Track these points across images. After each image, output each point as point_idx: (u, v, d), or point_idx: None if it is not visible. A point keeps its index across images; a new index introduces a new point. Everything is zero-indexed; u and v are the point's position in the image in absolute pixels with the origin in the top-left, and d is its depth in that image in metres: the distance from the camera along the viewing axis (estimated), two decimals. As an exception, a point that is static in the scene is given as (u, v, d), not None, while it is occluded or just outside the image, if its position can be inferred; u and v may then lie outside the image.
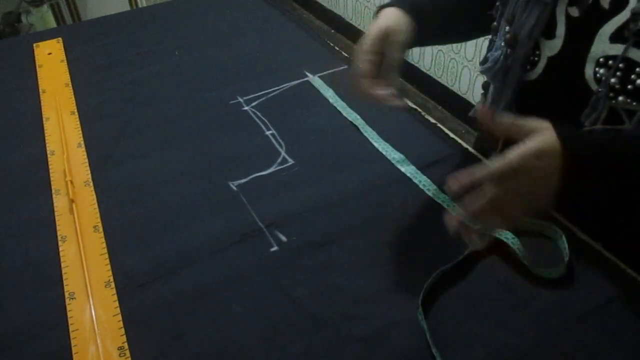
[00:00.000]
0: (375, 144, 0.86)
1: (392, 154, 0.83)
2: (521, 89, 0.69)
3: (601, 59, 0.59)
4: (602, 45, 0.58)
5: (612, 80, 0.58)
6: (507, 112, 0.71)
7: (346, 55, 1.09)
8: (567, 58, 0.63)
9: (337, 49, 1.12)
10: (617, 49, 0.57)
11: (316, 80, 1.01)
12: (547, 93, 0.67)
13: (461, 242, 0.68)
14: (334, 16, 2.96)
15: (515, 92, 0.69)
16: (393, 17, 0.69)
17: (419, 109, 0.94)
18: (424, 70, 2.38)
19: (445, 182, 0.77)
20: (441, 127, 0.89)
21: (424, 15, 0.71)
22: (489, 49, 0.74)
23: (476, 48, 2.11)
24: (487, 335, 0.59)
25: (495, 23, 0.70)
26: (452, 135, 0.87)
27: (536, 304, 0.62)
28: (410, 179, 0.79)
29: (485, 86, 0.78)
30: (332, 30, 3.00)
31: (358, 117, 0.91)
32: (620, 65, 0.57)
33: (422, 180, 0.78)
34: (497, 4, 0.69)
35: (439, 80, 2.36)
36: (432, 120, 0.91)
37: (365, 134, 0.88)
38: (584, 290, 0.63)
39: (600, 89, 0.59)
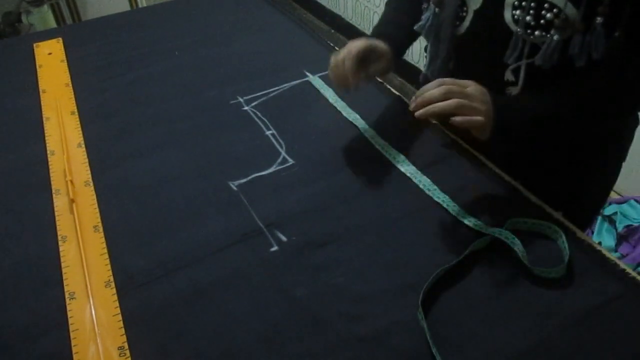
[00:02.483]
0: (375, 144, 0.86)
1: (392, 154, 0.83)
2: (455, 45, 0.79)
3: (515, 2, 0.69)
4: None
5: (527, 18, 0.68)
6: (445, 67, 0.81)
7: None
8: (489, 8, 0.73)
9: (337, 49, 1.11)
10: None
11: (316, 80, 1.01)
12: (478, 43, 0.77)
13: (461, 242, 0.68)
14: (334, 16, 2.96)
15: (449, 48, 0.79)
16: (379, 42, 0.83)
17: (419, 109, 0.94)
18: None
19: (445, 182, 0.77)
20: (441, 127, 0.89)
21: (399, 44, 0.88)
22: (434, 19, 0.83)
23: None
24: (487, 335, 0.59)
25: None
26: (452, 135, 0.87)
27: (536, 304, 0.62)
28: (410, 179, 0.79)
29: (426, 49, 0.88)
30: (332, 30, 3.00)
31: (358, 117, 0.91)
32: (532, 4, 0.68)
33: (422, 180, 0.78)
34: None
35: (439, 80, 2.36)
36: (433, 121, 0.91)
37: (365, 134, 0.88)
38: (584, 290, 0.63)
39: (518, 29, 0.70)
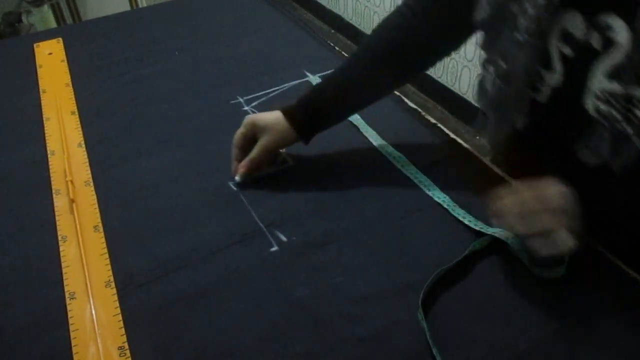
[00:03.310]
0: (375, 144, 0.86)
1: (392, 154, 0.83)
2: (527, 112, 0.68)
3: (600, 94, 0.59)
4: (599, 81, 0.58)
5: (614, 113, 0.58)
6: (513, 138, 0.72)
7: (346, 55, 1.09)
8: (569, 90, 0.62)
9: (337, 49, 1.12)
10: (614, 85, 0.57)
11: (316, 81, 1.01)
12: (555, 121, 0.67)
13: (461, 242, 0.68)
14: (334, 16, 2.96)
15: (518, 126, 0.69)
16: (274, 124, 0.77)
17: (419, 109, 0.94)
18: (424, 70, 2.39)
19: (445, 182, 0.77)
20: (441, 127, 0.89)
21: (323, 117, 0.79)
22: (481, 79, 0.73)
23: (476, 48, 2.11)
24: (487, 335, 0.59)
25: (484, 55, 0.69)
26: (452, 135, 0.87)
27: (536, 304, 0.62)
28: (410, 179, 0.79)
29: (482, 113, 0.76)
30: (332, 30, 3.00)
31: (358, 117, 0.91)
32: (618, 99, 0.57)
33: (422, 180, 0.78)
34: (483, 35, 0.68)
35: (439, 80, 2.36)
36: (432, 120, 0.91)
37: (365, 134, 0.88)
38: (584, 290, 0.63)
39: (603, 122, 0.59)
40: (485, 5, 0.65)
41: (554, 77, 0.63)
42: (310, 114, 0.77)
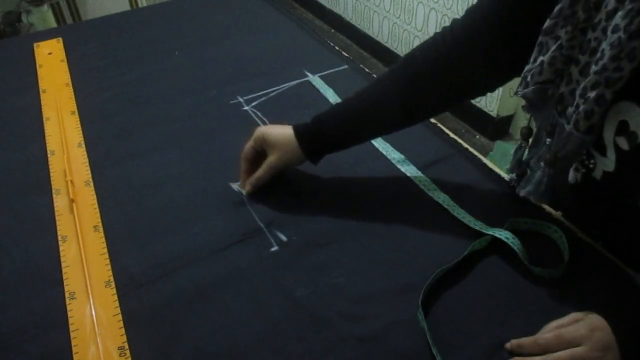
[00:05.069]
0: (375, 144, 0.86)
1: (392, 154, 0.83)
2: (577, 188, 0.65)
3: None
4: None
5: None
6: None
7: (346, 55, 1.09)
8: (621, 181, 0.59)
9: (337, 49, 1.12)
10: None
11: (316, 80, 1.01)
12: (602, 201, 0.64)
13: (461, 242, 0.68)
14: (334, 16, 2.96)
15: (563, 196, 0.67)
16: (284, 143, 0.74)
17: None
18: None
19: (445, 182, 0.77)
20: (441, 127, 0.89)
21: (331, 142, 0.74)
22: (518, 152, 0.71)
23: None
24: (487, 335, 0.59)
25: (532, 127, 0.65)
26: (452, 135, 0.87)
27: (536, 304, 0.62)
28: (410, 179, 0.79)
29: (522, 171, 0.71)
30: (332, 30, 3.00)
31: (358, 117, 0.91)
32: None
33: (422, 180, 0.78)
34: (527, 105, 0.64)
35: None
36: (432, 120, 0.91)
37: (365, 134, 0.88)
38: (584, 290, 0.63)
39: None
40: (532, 84, 0.61)
41: (607, 161, 0.59)
42: (320, 136, 0.73)
